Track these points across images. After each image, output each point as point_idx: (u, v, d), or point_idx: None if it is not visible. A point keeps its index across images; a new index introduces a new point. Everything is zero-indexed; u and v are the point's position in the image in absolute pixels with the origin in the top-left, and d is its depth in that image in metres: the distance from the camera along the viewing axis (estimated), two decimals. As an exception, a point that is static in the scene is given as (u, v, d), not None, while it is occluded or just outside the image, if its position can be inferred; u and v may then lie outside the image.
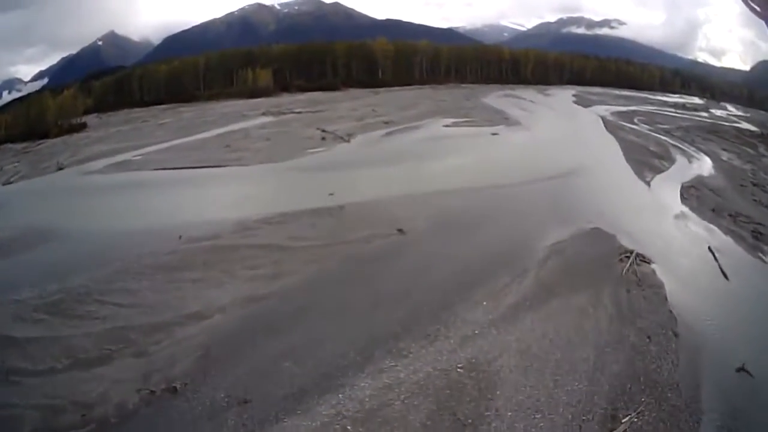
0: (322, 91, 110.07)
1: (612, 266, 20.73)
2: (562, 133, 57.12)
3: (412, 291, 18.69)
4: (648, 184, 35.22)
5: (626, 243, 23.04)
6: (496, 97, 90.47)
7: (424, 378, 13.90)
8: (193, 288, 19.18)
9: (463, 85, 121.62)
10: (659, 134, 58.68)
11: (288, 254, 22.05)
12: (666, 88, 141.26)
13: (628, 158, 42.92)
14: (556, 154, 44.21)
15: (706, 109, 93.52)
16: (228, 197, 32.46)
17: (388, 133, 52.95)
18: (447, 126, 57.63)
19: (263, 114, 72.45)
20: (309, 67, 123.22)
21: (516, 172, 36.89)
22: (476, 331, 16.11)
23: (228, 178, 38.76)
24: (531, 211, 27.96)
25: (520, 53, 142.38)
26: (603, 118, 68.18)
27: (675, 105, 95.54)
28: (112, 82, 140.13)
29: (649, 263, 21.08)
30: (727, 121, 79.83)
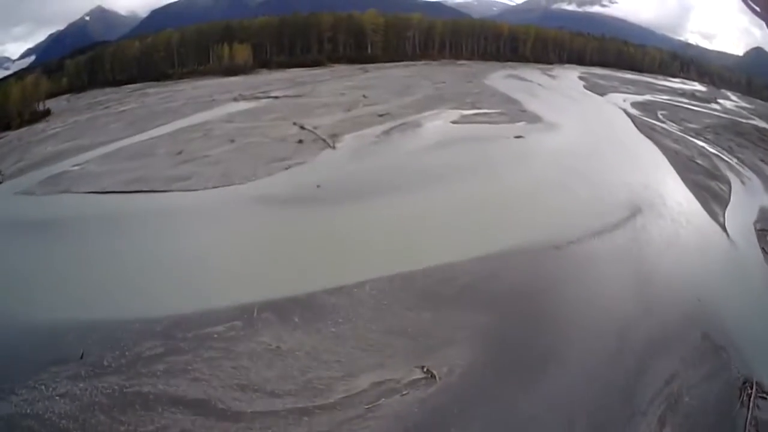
0: (305, 67, 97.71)
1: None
2: (594, 136, 44.49)
3: None
4: (723, 227, 28.68)
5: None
6: (499, 79, 78.95)
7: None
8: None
9: (459, 62, 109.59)
10: (693, 138, 48.72)
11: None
12: (665, 71, 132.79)
13: (685, 179, 34.37)
14: (603, 176, 33.13)
15: (715, 99, 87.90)
16: (150, 274, 22.29)
17: (385, 133, 39.83)
18: (455, 122, 44.55)
19: (234, 99, 60.16)
20: (292, 41, 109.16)
21: (570, 214, 26.73)
22: None
23: (165, 218, 27.68)
24: (615, 307, 20.06)
25: (520, 30, 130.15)
26: (626, 112, 57.70)
27: (684, 93, 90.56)
28: (86, 61, 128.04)
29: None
30: (741, 117, 71.42)
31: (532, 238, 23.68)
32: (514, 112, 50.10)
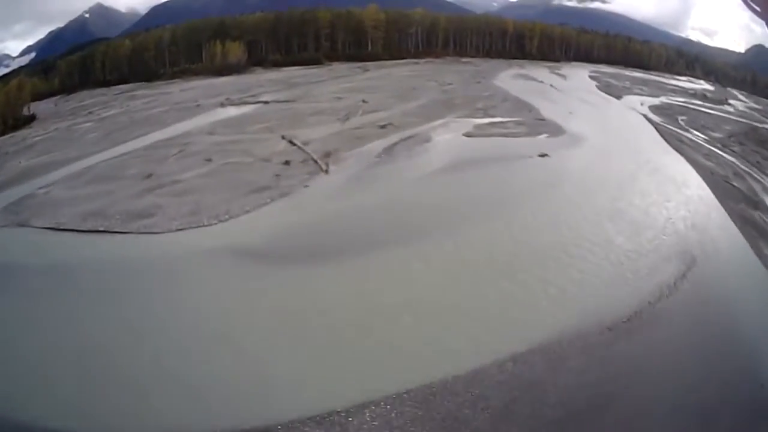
0: (302, 66, 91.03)
1: None
2: (623, 152, 37.06)
3: None
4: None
5: None
6: (509, 79, 73.05)
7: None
8: None
9: (463, 60, 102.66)
10: (721, 150, 42.29)
11: None
12: (671, 69, 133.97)
13: (729, 211, 28.08)
14: (647, 213, 26.61)
15: (726, 100, 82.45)
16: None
17: (387, 151, 33.10)
18: (468, 135, 37.84)
19: (221, 105, 53.71)
20: (288, 39, 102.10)
21: (619, 277, 20.60)
22: None
23: (113, 280, 21.02)
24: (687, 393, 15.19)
25: (526, 26, 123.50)
26: (647, 118, 51.76)
27: (696, 94, 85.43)
28: (77, 60, 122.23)
29: None
30: (757, 121, 65.48)
31: (580, 320, 17.27)
32: (533, 121, 43.38)
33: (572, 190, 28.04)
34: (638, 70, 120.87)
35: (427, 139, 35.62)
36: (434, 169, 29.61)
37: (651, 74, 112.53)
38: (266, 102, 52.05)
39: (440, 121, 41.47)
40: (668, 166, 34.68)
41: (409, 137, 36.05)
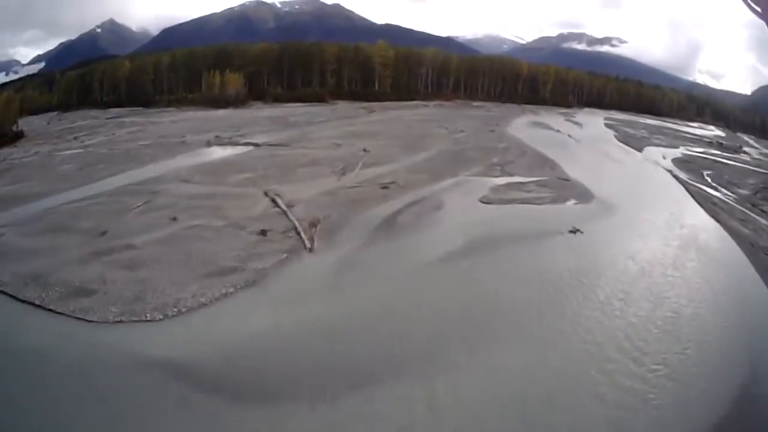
0: (304, 102, 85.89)
1: None
2: (660, 225, 30.97)
3: None
4: None
5: None
6: (524, 127, 68.31)
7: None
8: None
9: (475, 103, 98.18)
10: (751, 211, 37.29)
11: None
12: (683, 114, 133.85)
13: None
14: (707, 321, 19.56)
15: (741, 148, 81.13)
16: None
17: (388, 222, 26.72)
18: (486, 201, 31.66)
19: (207, 143, 47.86)
20: (292, 72, 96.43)
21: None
22: None
23: (35, 367, 15.78)
24: None
25: (540, 69, 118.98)
26: (673, 174, 46.98)
27: (712, 143, 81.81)
28: (76, 78, 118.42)
29: None
30: None
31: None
32: (556, 181, 37.44)
33: (612, 285, 21.52)
34: (651, 116, 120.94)
35: (437, 206, 29.40)
36: (445, 253, 23.12)
37: (664, 120, 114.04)
38: (257, 144, 46.27)
39: (451, 180, 35.53)
40: (710, 244, 28.32)
41: (416, 202, 29.88)
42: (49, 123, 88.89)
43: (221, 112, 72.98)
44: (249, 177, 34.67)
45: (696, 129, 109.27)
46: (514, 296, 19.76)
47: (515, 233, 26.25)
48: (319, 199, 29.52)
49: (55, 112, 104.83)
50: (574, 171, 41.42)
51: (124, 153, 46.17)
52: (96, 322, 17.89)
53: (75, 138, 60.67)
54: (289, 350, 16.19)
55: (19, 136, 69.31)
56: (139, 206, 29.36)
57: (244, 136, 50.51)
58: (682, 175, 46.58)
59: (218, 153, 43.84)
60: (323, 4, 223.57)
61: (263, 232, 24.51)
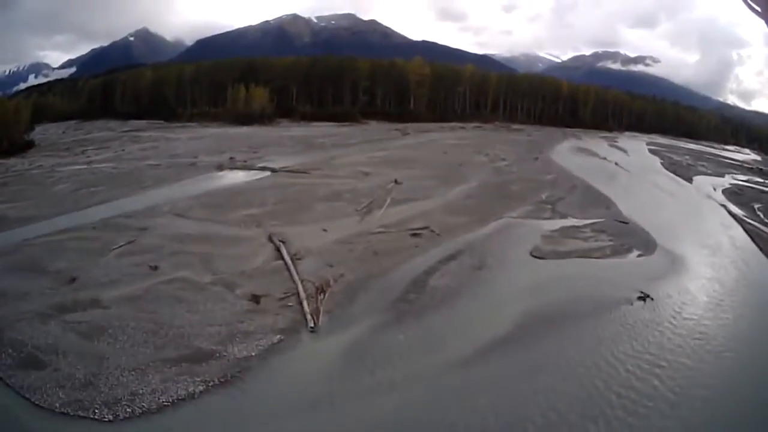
0: (333, 122, 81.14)
1: None
2: (732, 283, 24.53)
3: None
4: None
5: None
6: (569, 154, 64.74)
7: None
8: None
9: (514, 126, 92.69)
10: None
11: None
12: (718, 137, 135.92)
13: None
14: None
15: None
16: None
17: (417, 287, 20.81)
18: (539, 255, 25.60)
19: (218, 167, 43.31)
20: (322, 88, 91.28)
21: None
22: None
23: None
24: None
25: (579, 89, 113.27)
26: (727, 209, 42.05)
27: (752, 169, 79.74)
28: (100, 86, 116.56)
29: None
30: None
31: None
32: (614, 225, 31.46)
33: (703, 376, 15.48)
34: (690, 139, 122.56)
35: (479, 264, 23.46)
36: (487, 343, 17.08)
37: (701, 144, 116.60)
38: (274, 170, 41.31)
39: (495, 224, 29.83)
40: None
41: (452, 257, 24.06)
42: (64, 132, 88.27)
43: (244, 130, 69.44)
44: (254, 213, 29.53)
45: (734, 153, 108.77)
46: (572, 408, 13.78)
47: (576, 306, 20.22)
48: (333, 249, 23.95)
49: (74, 121, 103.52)
50: (629, 209, 36.15)
51: (127, 174, 43.35)
52: (40, 407, 13.42)
53: (83, 152, 58.62)
54: None
55: (29, 145, 68.34)
56: (121, 246, 24.61)
57: (261, 159, 45.95)
58: (736, 210, 41.80)
59: (227, 179, 39.51)
60: (359, 19, 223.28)
61: (256, 299, 18.92)
